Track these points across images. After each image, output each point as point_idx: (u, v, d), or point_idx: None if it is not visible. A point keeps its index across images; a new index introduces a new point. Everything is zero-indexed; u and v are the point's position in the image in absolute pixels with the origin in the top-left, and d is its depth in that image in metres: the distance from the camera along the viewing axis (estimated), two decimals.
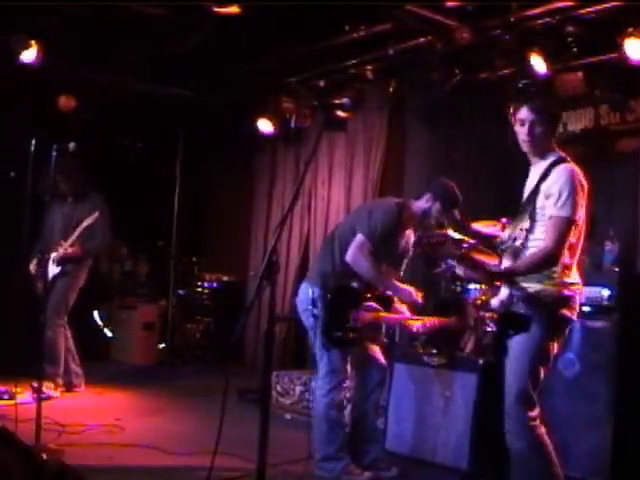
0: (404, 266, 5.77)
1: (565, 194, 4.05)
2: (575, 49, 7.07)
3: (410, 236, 5.68)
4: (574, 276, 4.21)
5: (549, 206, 4.11)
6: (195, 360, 10.48)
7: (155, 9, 7.57)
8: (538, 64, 7.12)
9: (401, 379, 6.23)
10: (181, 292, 11.36)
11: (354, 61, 8.61)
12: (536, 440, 4.17)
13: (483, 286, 4.52)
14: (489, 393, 5.23)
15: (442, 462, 5.72)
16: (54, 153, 5.66)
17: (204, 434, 6.02)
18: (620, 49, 6.53)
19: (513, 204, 4.45)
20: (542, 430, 4.20)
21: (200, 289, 11.18)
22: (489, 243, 4.75)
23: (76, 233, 7.56)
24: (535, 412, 4.17)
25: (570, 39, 6.98)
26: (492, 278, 4.16)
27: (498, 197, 7.19)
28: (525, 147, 4.30)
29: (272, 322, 3.75)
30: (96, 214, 7.51)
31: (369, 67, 8.50)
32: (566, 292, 4.14)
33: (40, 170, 5.87)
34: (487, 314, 4.33)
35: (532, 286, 4.11)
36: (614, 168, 7.21)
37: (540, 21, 7.06)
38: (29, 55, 8.00)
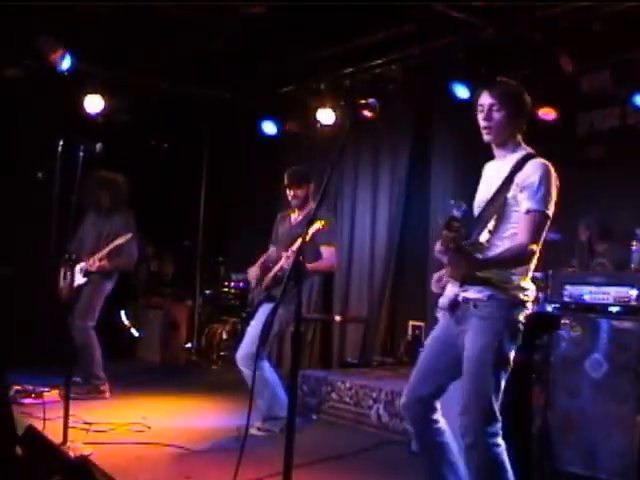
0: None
1: (543, 188, 3.83)
2: (602, 47, 7.03)
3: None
4: (530, 282, 3.97)
5: (525, 199, 3.86)
6: (221, 360, 10.50)
7: (182, 10, 7.60)
8: (565, 63, 7.09)
9: None
10: (207, 292, 11.42)
11: (380, 61, 8.62)
12: (495, 457, 3.81)
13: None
14: (518, 393, 5.19)
15: None
16: (81, 154, 5.67)
17: (230, 433, 6.05)
18: None
19: None
20: (502, 447, 3.85)
21: (226, 289, 11.22)
22: None
23: (107, 249, 7.58)
24: (496, 427, 3.82)
25: (597, 37, 6.94)
26: (473, 265, 3.81)
27: None
28: (485, 135, 4.02)
29: (299, 323, 3.74)
30: (129, 235, 7.56)
31: (395, 67, 8.49)
32: (521, 296, 3.90)
33: (74, 176, 5.83)
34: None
35: (486, 288, 3.87)
36: None
37: (567, 19, 7.03)
38: (57, 57, 8.07)
